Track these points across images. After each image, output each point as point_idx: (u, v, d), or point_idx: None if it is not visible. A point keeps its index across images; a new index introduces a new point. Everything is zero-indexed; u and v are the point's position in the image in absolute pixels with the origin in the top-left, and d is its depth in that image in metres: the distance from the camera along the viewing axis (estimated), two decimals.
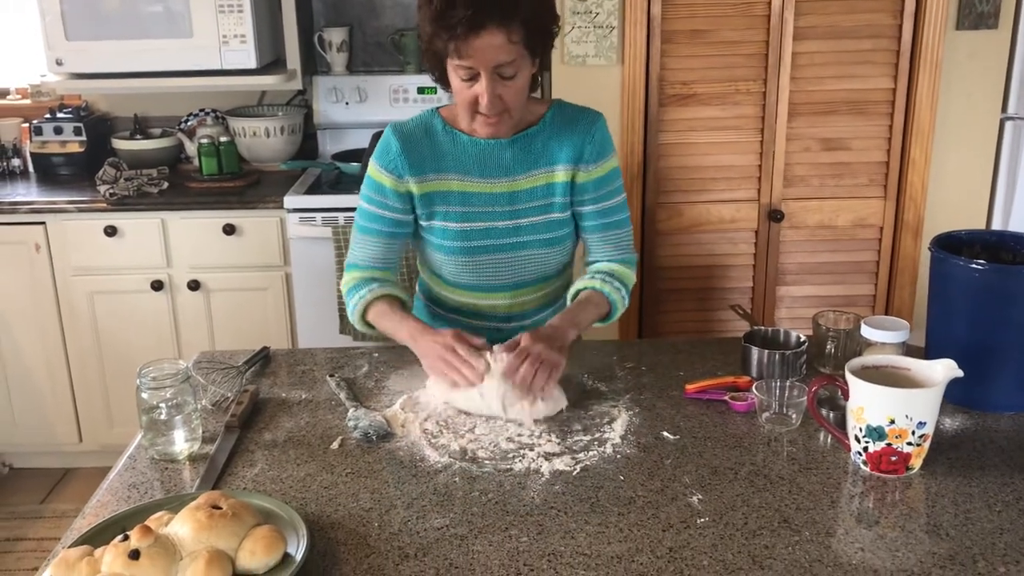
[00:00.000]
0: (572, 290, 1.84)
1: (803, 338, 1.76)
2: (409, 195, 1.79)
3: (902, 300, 3.16)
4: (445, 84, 1.73)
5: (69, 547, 1.20)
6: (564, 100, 1.85)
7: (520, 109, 1.72)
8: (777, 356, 1.71)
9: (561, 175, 1.79)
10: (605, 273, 1.82)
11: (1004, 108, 3.03)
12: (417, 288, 2.05)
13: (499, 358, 1.59)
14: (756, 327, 1.81)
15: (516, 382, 1.56)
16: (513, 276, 1.85)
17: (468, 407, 1.60)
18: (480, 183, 1.78)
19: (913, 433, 1.37)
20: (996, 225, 3.12)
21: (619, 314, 1.84)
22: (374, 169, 1.80)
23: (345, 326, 3.02)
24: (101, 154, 3.39)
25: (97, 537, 1.22)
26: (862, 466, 1.42)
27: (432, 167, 1.78)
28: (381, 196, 1.79)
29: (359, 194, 1.85)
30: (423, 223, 1.82)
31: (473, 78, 1.64)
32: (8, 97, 3.67)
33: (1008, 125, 3.05)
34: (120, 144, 3.40)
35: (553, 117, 1.80)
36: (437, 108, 1.83)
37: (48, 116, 3.44)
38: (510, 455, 1.47)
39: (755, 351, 1.72)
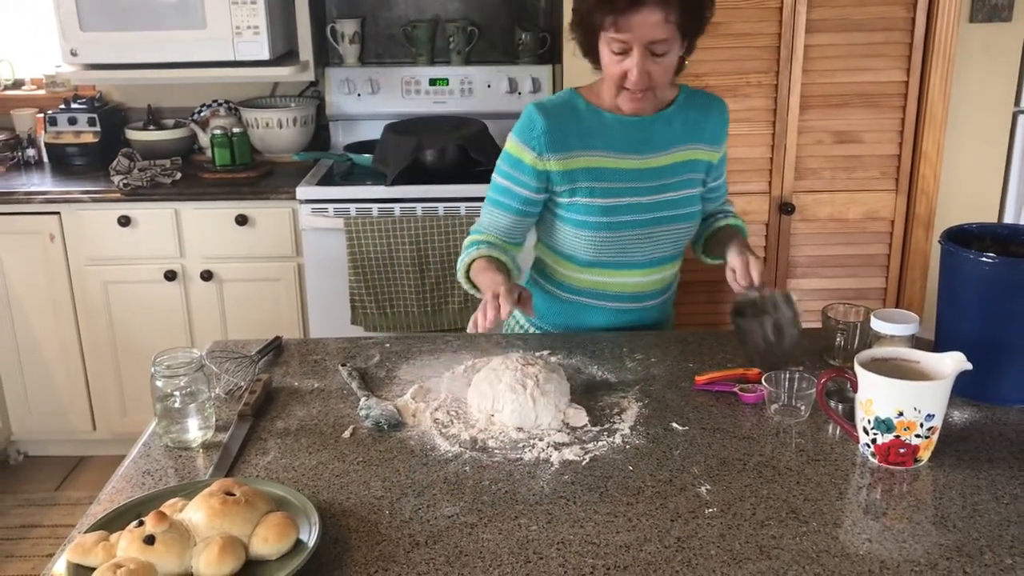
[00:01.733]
0: (706, 233, 2.01)
1: (794, 296, 1.78)
2: (547, 174, 1.84)
3: (913, 293, 3.15)
4: (592, 57, 1.80)
5: (85, 532, 1.22)
6: (687, 85, 1.94)
7: (664, 88, 1.82)
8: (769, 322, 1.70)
9: (702, 153, 1.91)
10: (724, 212, 2.04)
11: (1017, 101, 3.02)
12: (529, 276, 2.07)
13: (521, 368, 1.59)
14: (743, 297, 1.79)
15: (754, 270, 1.76)
16: (650, 252, 1.91)
17: (513, 420, 1.53)
18: (626, 159, 1.85)
19: (921, 425, 1.37)
20: (1008, 218, 3.12)
21: (746, 235, 2.02)
22: (515, 145, 1.85)
23: (356, 316, 3.04)
24: (115, 145, 3.41)
25: (112, 523, 1.24)
26: (870, 458, 1.43)
27: (577, 144, 1.83)
28: (518, 172, 1.85)
29: (495, 170, 1.91)
30: (563, 200, 1.86)
31: (625, 52, 1.71)
32: (23, 88, 3.70)
33: (1021, 118, 3.04)
34: (134, 135, 3.42)
35: (686, 99, 1.90)
36: (576, 88, 1.89)
37: (62, 107, 3.47)
38: (520, 445, 1.48)
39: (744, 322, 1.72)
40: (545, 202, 1.89)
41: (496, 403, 1.54)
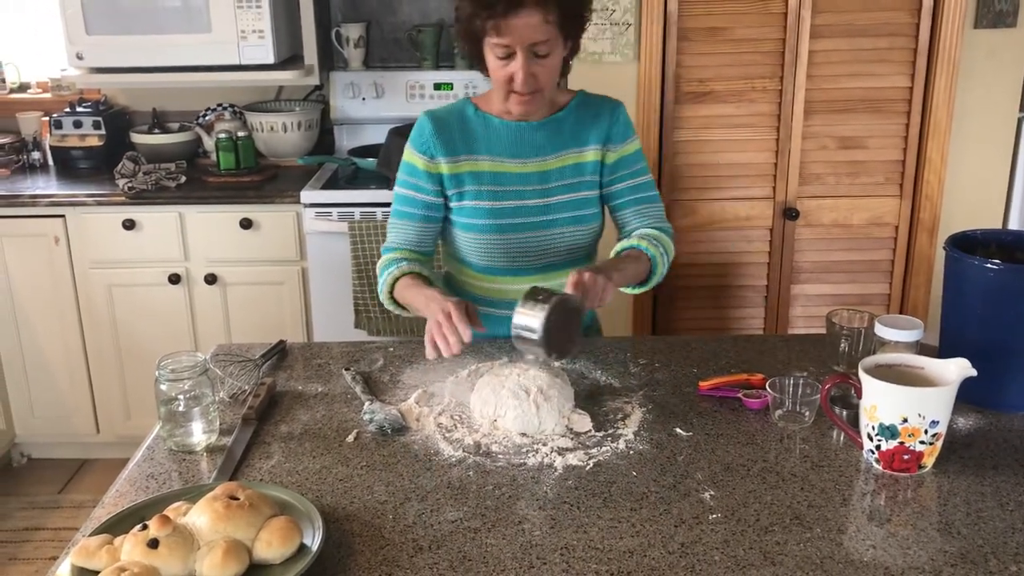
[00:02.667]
0: (612, 253, 1.86)
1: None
2: (439, 176, 1.86)
3: (917, 299, 3.15)
4: (480, 64, 1.81)
5: (89, 536, 1.22)
6: (586, 91, 1.94)
7: (552, 89, 1.82)
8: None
9: (591, 155, 1.89)
10: (644, 236, 1.84)
11: (1022, 107, 3.02)
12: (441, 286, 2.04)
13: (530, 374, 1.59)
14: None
15: (585, 284, 1.57)
16: (542, 257, 1.90)
17: (516, 427, 1.53)
18: (511, 163, 1.86)
19: (926, 432, 1.37)
20: (1013, 224, 3.11)
21: (657, 278, 1.85)
22: (408, 152, 1.89)
23: (360, 320, 3.04)
24: (120, 148, 3.41)
25: (116, 526, 1.24)
26: (874, 464, 1.42)
27: (464, 148, 1.86)
28: (414, 179, 1.87)
29: (396, 182, 1.91)
30: (453, 204, 1.87)
31: (509, 56, 1.72)
32: (28, 91, 3.70)
33: None
34: (139, 138, 3.43)
35: (578, 104, 1.90)
36: (470, 97, 1.92)
37: (68, 110, 3.47)
38: (523, 450, 1.48)
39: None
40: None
41: (499, 409, 1.54)
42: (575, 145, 1.88)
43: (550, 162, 1.87)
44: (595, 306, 1.62)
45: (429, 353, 1.60)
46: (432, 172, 1.86)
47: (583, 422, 1.55)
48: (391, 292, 1.85)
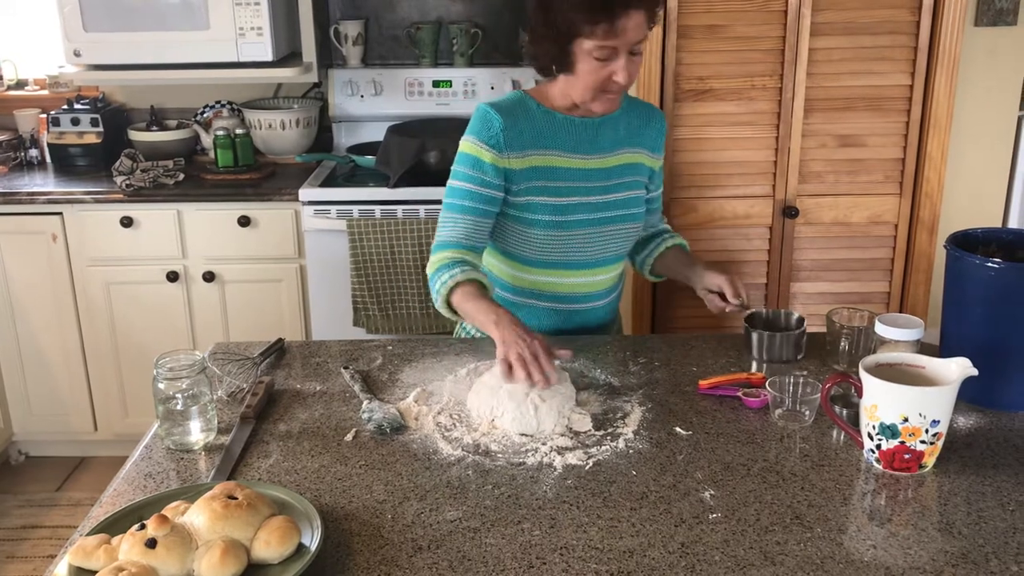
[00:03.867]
0: (655, 252, 2.09)
1: (802, 317, 1.78)
2: (506, 171, 1.84)
3: (917, 298, 3.14)
4: (560, 68, 1.79)
5: (86, 535, 1.21)
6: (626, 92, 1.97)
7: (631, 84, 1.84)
8: (778, 338, 1.72)
9: (643, 157, 1.97)
10: (668, 232, 2.12)
11: (1022, 105, 3.01)
12: None
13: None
14: (756, 310, 1.83)
15: (741, 288, 1.90)
16: (598, 252, 1.93)
17: (514, 427, 1.53)
18: (578, 159, 1.88)
19: (926, 431, 1.36)
20: (1013, 223, 3.11)
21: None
22: (472, 145, 1.85)
23: (359, 318, 3.03)
24: (118, 145, 3.41)
25: (114, 525, 1.24)
26: (875, 464, 1.42)
27: (532, 143, 1.85)
28: (479, 172, 1.83)
29: (450, 176, 1.87)
30: (518, 199, 1.86)
31: (609, 57, 1.72)
32: (26, 88, 3.69)
33: None
34: (136, 135, 3.42)
35: (628, 105, 1.95)
36: (525, 90, 1.92)
37: (65, 107, 3.46)
38: (523, 449, 1.47)
39: (755, 335, 1.74)
40: None
41: (496, 409, 1.54)
42: (629, 144, 1.93)
43: (609, 159, 1.91)
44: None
45: (514, 376, 1.54)
46: (500, 166, 1.83)
47: (583, 422, 1.54)
48: (447, 298, 1.76)
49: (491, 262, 1.99)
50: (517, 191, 1.85)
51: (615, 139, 1.92)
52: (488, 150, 1.83)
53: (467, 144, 1.86)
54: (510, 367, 1.55)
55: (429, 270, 1.82)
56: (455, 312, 1.77)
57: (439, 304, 1.79)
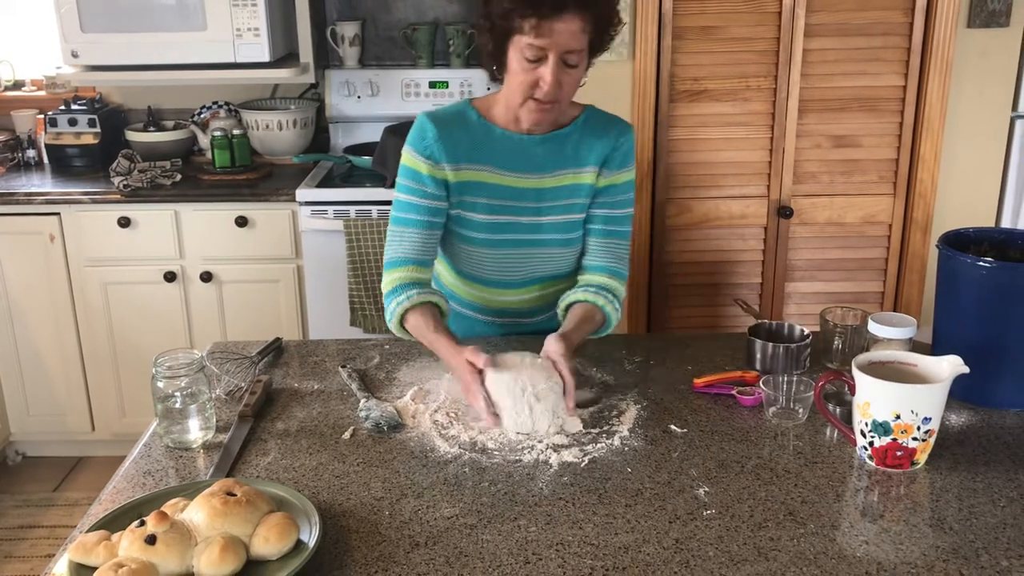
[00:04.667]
0: (570, 298, 1.81)
1: (807, 332, 1.77)
2: (445, 182, 1.79)
3: (911, 297, 3.16)
4: (495, 64, 1.73)
5: (86, 532, 1.22)
6: (596, 107, 1.87)
7: (567, 103, 1.76)
8: (781, 349, 1.72)
9: (587, 177, 1.82)
10: (603, 288, 1.80)
11: (1015, 106, 3.03)
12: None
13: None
14: (760, 320, 1.82)
15: (564, 376, 1.56)
16: (529, 272, 1.87)
17: (510, 426, 1.54)
18: (511, 177, 1.80)
19: (918, 428, 1.38)
20: (1005, 223, 3.13)
21: (611, 329, 1.83)
22: (409, 156, 1.80)
23: (356, 318, 3.04)
24: (115, 146, 3.41)
25: (114, 522, 1.25)
26: (867, 461, 1.43)
27: (466, 156, 1.79)
28: (418, 183, 1.78)
29: (395, 188, 1.82)
30: (452, 211, 1.82)
31: (539, 60, 1.65)
32: (23, 88, 3.70)
33: (1019, 123, 3.05)
34: (134, 136, 3.42)
35: (586, 120, 1.83)
36: (470, 100, 1.85)
37: (63, 108, 3.47)
38: (519, 447, 1.49)
39: (759, 344, 1.74)
40: None
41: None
42: (574, 165, 1.81)
43: (547, 180, 1.81)
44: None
45: (491, 424, 1.53)
46: (437, 177, 1.78)
47: (574, 424, 1.55)
48: (401, 321, 1.74)
49: (440, 271, 1.97)
50: (451, 203, 1.81)
51: (558, 159, 1.80)
52: (423, 161, 1.78)
53: (405, 155, 1.81)
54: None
55: (384, 290, 1.78)
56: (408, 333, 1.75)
57: (393, 327, 1.76)
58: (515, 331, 1.95)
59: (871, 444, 1.41)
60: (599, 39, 1.69)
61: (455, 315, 1.95)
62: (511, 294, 1.90)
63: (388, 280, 1.77)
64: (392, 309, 1.74)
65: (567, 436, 1.52)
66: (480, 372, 1.57)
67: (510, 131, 1.79)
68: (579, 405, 1.59)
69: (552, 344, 1.61)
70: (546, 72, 1.65)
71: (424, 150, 1.78)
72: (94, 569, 1.14)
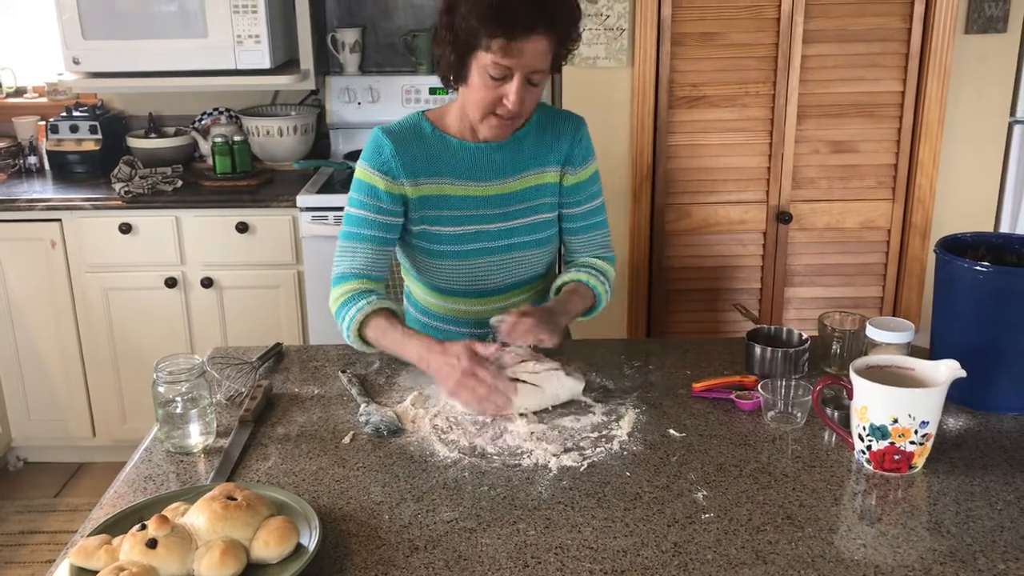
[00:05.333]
0: (557, 283, 1.87)
1: (806, 336, 1.78)
2: (403, 197, 1.78)
3: (910, 302, 3.17)
4: (455, 77, 1.71)
5: (88, 536, 1.23)
6: (547, 104, 1.87)
7: (528, 116, 1.77)
8: (780, 354, 1.72)
9: (550, 176, 1.84)
10: (589, 267, 1.87)
11: (1013, 112, 3.04)
12: (404, 300, 2.04)
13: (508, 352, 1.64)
14: (759, 325, 1.83)
15: (518, 331, 1.62)
16: (504, 279, 1.87)
17: (530, 404, 1.59)
18: (473, 186, 1.80)
19: (916, 432, 1.38)
20: (1003, 228, 3.13)
21: (602, 307, 1.87)
22: (364, 172, 1.78)
23: None
24: (116, 152, 3.42)
25: (115, 527, 1.25)
26: (865, 464, 1.44)
27: (425, 170, 1.78)
28: (374, 199, 1.77)
29: (347, 202, 1.81)
30: (414, 228, 1.81)
31: (504, 78, 1.64)
32: (25, 95, 3.71)
33: (1017, 129, 3.05)
34: (135, 142, 3.44)
35: (539, 120, 1.83)
36: (422, 111, 1.83)
37: (64, 114, 3.48)
38: (518, 451, 1.49)
39: (758, 349, 1.74)
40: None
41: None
42: (535, 166, 1.82)
43: (511, 184, 1.81)
44: (525, 342, 1.63)
45: (469, 406, 1.57)
46: (395, 193, 1.76)
47: (577, 386, 1.62)
48: (359, 332, 1.72)
49: (410, 286, 1.97)
50: (413, 219, 1.79)
51: (517, 162, 1.81)
52: (381, 177, 1.76)
53: (360, 170, 1.79)
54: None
55: (332, 306, 1.77)
56: (369, 344, 1.74)
57: (351, 339, 1.74)
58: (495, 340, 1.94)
59: (869, 448, 1.42)
60: (561, 57, 1.70)
61: (433, 332, 1.93)
62: (489, 302, 1.90)
63: (337, 294, 1.76)
64: (351, 315, 1.71)
65: (567, 440, 1.52)
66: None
67: (466, 140, 1.79)
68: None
69: (503, 323, 1.65)
70: (511, 91, 1.64)
71: (381, 165, 1.77)
72: (95, 573, 1.15)
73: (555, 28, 1.62)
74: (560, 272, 1.93)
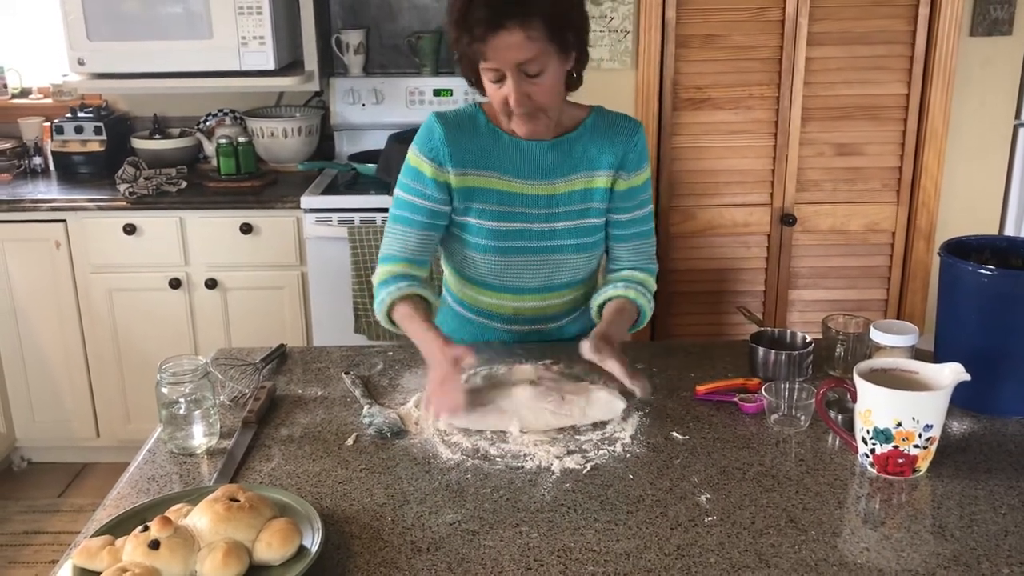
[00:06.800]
0: (600, 297, 1.83)
1: (810, 339, 1.77)
2: (447, 185, 1.77)
3: (914, 305, 3.16)
4: (478, 88, 1.74)
5: (91, 537, 1.23)
6: (604, 107, 1.84)
7: (556, 108, 1.72)
8: (784, 356, 1.72)
9: (602, 181, 1.79)
10: (632, 281, 1.84)
11: (1018, 115, 3.04)
12: (443, 290, 2.03)
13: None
14: (763, 327, 1.83)
15: (609, 367, 1.59)
16: (543, 279, 1.85)
17: (485, 425, 1.56)
18: (519, 183, 1.78)
19: (920, 436, 1.38)
20: (1008, 231, 3.13)
21: (646, 321, 1.85)
22: (414, 156, 1.79)
23: (360, 325, 3.05)
24: (121, 153, 3.43)
25: (118, 528, 1.25)
26: (869, 468, 1.44)
27: (473, 161, 1.77)
28: (420, 184, 1.77)
29: (396, 184, 1.82)
30: (457, 217, 1.80)
31: (501, 79, 1.64)
32: (30, 96, 3.72)
33: (1022, 131, 3.05)
34: (140, 143, 3.44)
35: (594, 122, 1.80)
36: (479, 103, 1.82)
37: (69, 115, 3.49)
38: (521, 453, 1.49)
39: (761, 351, 1.74)
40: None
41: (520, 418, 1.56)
42: (586, 168, 1.79)
43: (559, 186, 1.78)
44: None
45: (424, 415, 1.58)
46: (440, 180, 1.76)
47: (615, 406, 1.58)
48: (388, 312, 1.76)
49: (448, 277, 1.96)
50: (457, 209, 1.79)
51: (568, 164, 1.78)
52: (428, 163, 1.76)
53: (411, 155, 1.80)
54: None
55: (374, 281, 1.80)
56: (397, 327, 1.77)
57: (380, 317, 1.77)
58: (531, 338, 1.92)
59: (872, 451, 1.42)
60: (560, 35, 1.62)
61: (466, 323, 1.94)
62: (525, 300, 1.88)
63: (380, 272, 1.80)
64: (381, 298, 1.76)
65: (569, 442, 1.52)
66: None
67: (517, 137, 1.77)
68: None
69: (584, 346, 1.63)
70: (508, 90, 1.64)
71: (430, 152, 1.76)
72: (98, 574, 1.15)
73: (527, 17, 1.57)
74: (601, 281, 1.90)
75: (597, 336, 1.66)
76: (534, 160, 1.78)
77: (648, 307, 1.84)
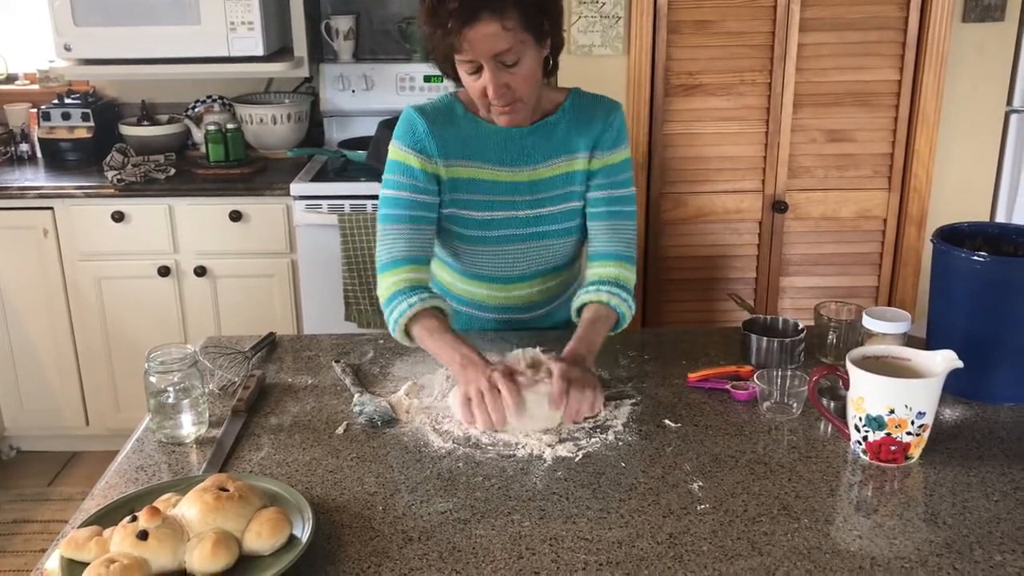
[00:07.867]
0: (578, 301, 1.75)
1: (802, 326, 1.77)
2: (436, 176, 1.75)
3: (905, 292, 3.16)
4: (455, 80, 1.71)
5: (78, 527, 1.22)
6: (582, 89, 1.83)
7: (533, 95, 1.70)
8: (776, 343, 1.72)
9: (580, 163, 1.78)
10: (609, 283, 1.74)
11: (1010, 101, 3.03)
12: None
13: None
14: (755, 314, 1.82)
15: (569, 417, 1.51)
16: (531, 266, 1.85)
17: (535, 426, 1.52)
18: (503, 171, 1.77)
19: (912, 423, 1.38)
20: (1000, 217, 3.13)
21: (626, 324, 1.78)
22: (399, 151, 1.75)
23: (350, 312, 3.04)
24: (109, 140, 3.40)
25: (106, 518, 1.24)
26: (862, 455, 1.43)
27: (457, 152, 1.75)
28: (410, 178, 1.74)
29: (381, 185, 1.78)
30: (444, 211, 1.78)
31: (478, 70, 1.62)
32: (16, 82, 3.69)
33: (1013, 118, 3.05)
34: (128, 130, 3.42)
35: (572, 105, 1.79)
36: (454, 92, 1.80)
37: (56, 102, 3.46)
38: (513, 441, 1.48)
39: (754, 338, 1.74)
40: None
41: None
42: (566, 152, 1.78)
43: (541, 171, 1.77)
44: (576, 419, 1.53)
45: (466, 418, 1.51)
46: (429, 171, 1.74)
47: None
48: (405, 329, 1.67)
49: (435, 268, 1.93)
50: (444, 201, 1.77)
51: (548, 148, 1.77)
52: (416, 155, 1.73)
53: (394, 150, 1.76)
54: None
55: (381, 295, 1.71)
56: (412, 340, 1.69)
57: (396, 334, 1.69)
58: (517, 327, 1.93)
59: (865, 439, 1.41)
60: (535, 23, 1.60)
61: (453, 313, 1.90)
62: (512, 289, 1.89)
63: (386, 285, 1.71)
64: (395, 318, 1.67)
65: (559, 428, 1.51)
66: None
67: (496, 124, 1.75)
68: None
69: (555, 368, 1.54)
70: (485, 81, 1.62)
71: (415, 144, 1.74)
72: (86, 565, 1.13)
73: (501, 8, 1.55)
74: (583, 268, 1.87)
75: (564, 359, 1.58)
76: (515, 146, 1.76)
77: (627, 310, 1.74)
